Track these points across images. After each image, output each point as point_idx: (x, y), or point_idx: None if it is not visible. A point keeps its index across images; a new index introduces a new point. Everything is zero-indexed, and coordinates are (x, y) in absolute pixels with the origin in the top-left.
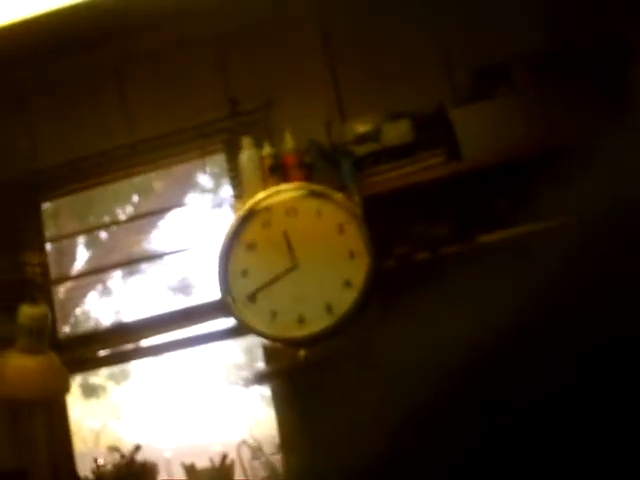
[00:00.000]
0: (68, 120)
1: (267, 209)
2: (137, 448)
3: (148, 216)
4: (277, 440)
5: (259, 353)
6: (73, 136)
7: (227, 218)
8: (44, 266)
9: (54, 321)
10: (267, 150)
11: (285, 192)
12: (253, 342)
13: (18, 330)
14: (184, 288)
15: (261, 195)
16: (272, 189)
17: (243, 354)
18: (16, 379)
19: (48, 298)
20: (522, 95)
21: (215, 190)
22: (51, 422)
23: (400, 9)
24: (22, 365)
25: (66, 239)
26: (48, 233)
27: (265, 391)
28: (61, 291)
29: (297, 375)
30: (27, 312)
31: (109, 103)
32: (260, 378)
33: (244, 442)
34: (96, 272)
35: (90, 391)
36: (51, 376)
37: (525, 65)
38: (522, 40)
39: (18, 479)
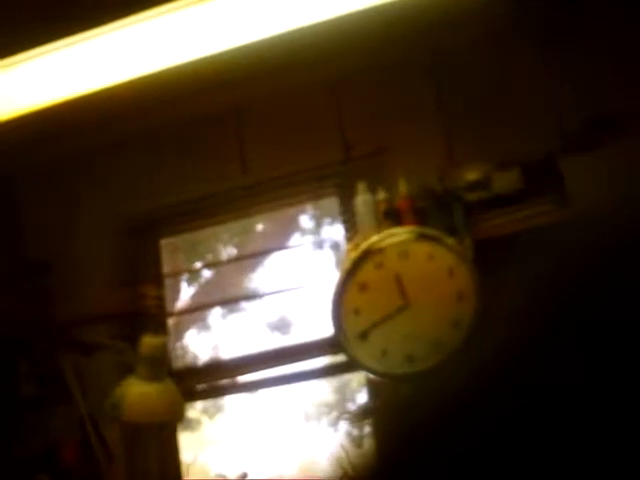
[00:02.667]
0: (188, 160)
1: (380, 251)
2: (244, 475)
3: (250, 257)
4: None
5: (351, 394)
6: (192, 177)
7: (328, 260)
8: (161, 299)
9: (170, 352)
10: (382, 195)
11: (398, 235)
12: (346, 382)
13: (139, 359)
14: (282, 327)
15: (375, 238)
16: (386, 232)
17: (335, 394)
18: (137, 404)
19: (164, 330)
20: (633, 146)
21: (316, 231)
22: (162, 447)
23: (510, 56)
24: (142, 391)
25: (177, 275)
26: (163, 268)
27: (355, 430)
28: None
29: (403, 411)
30: (149, 342)
31: (227, 146)
32: (362, 413)
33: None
34: (201, 308)
35: (185, 424)
36: (169, 402)
37: (637, 116)
38: (635, 91)
39: None
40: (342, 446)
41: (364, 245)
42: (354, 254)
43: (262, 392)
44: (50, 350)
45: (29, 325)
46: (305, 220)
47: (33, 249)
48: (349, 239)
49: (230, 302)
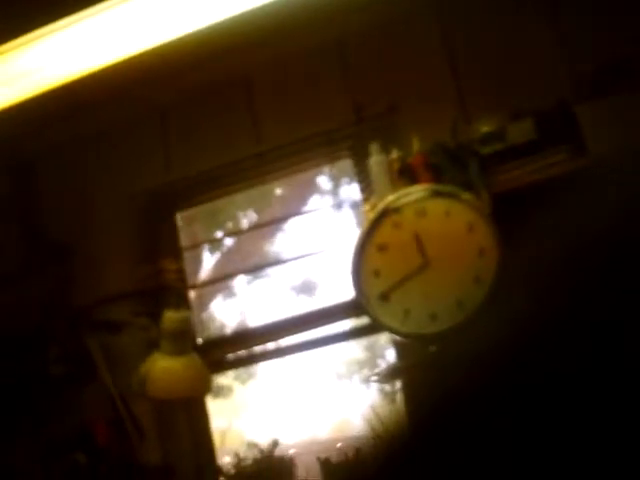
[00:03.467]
0: (200, 132)
1: (397, 211)
2: (275, 443)
3: (270, 223)
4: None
5: (380, 351)
6: (204, 148)
7: (348, 221)
8: (181, 273)
9: (194, 325)
10: (395, 154)
11: (414, 194)
12: (375, 340)
13: (163, 334)
14: (307, 290)
15: (391, 198)
16: (401, 191)
17: (365, 351)
18: (163, 380)
19: (186, 303)
20: None
21: (335, 193)
22: (192, 420)
23: (521, 6)
24: (168, 366)
25: (197, 247)
26: (181, 241)
27: (387, 387)
28: (191, 296)
29: (429, 370)
30: (171, 317)
31: (238, 114)
32: (391, 374)
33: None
34: (224, 278)
35: (217, 391)
36: (195, 376)
37: None
38: None
39: (165, 474)
40: (373, 405)
41: (380, 206)
42: (371, 215)
43: (292, 357)
44: (76, 331)
45: (53, 308)
46: (323, 182)
47: (52, 232)
48: (365, 200)
49: (253, 269)
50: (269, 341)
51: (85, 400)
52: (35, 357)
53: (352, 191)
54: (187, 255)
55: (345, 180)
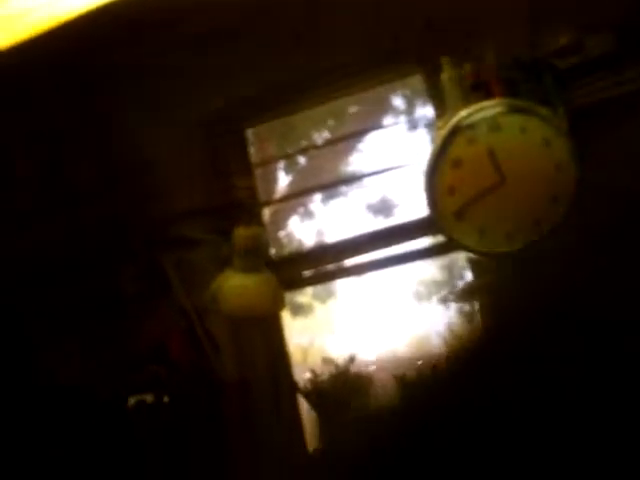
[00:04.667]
0: (270, 47)
1: (471, 127)
2: (351, 359)
3: (344, 139)
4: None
5: (458, 271)
6: (275, 64)
7: (423, 138)
8: (252, 190)
9: (267, 242)
10: (468, 68)
11: (488, 109)
12: (453, 260)
13: (234, 251)
14: (384, 209)
15: (463, 113)
16: (475, 106)
17: (443, 272)
18: (235, 296)
19: (258, 220)
20: None
21: (409, 111)
22: (268, 337)
23: None
24: (240, 283)
25: (269, 164)
26: (253, 158)
27: (465, 306)
28: (266, 214)
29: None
30: (242, 233)
31: (309, 30)
32: (468, 293)
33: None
34: (299, 195)
35: (297, 310)
36: (267, 293)
37: None
38: None
39: (242, 389)
40: (451, 324)
41: (453, 121)
42: (444, 131)
43: (370, 275)
44: (150, 248)
45: (128, 226)
46: (397, 99)
47: (126, 151)
48: (438, 116)
49: (329, 187)
50: (346, 258)
51: (160, 315)
52: (111, 275)
53: (426, 110)
54: (261, 173)
55: (420, 98)
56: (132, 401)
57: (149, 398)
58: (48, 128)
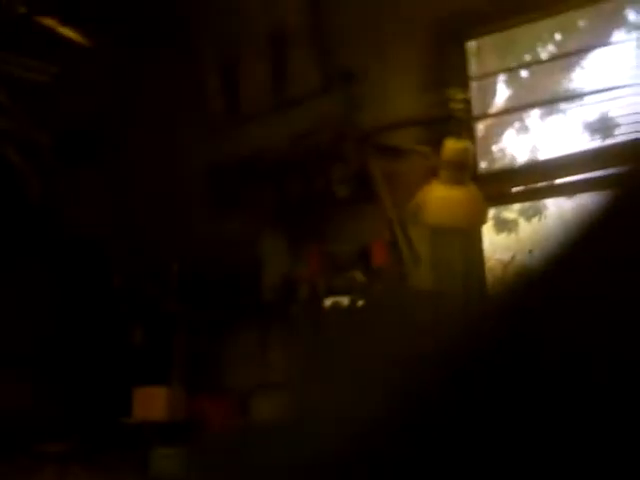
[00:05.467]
0: None
1: None
2: None
3: (570, 55)
4: None
5: None
6: None
7: None
8: (467, 103)
9: (475, 156)
10: None
11: None
12: None
13: (442, 163)
14: (602, 128)
15: None
16: None
17: None
18: (439, 208)
19: (470, 134)
20: None
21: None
22: (466, 249)
23: None
24: (445, 195)
25: (488, 77)
26: (471, 71)
27: None
28: (480, 128)
29: None
30: (451, 146)
31: None
32: None
33: None
34: (515, 110)
35: (501, 225)
36: (471, 207)
37: None
38: None
39: (435, 297)
40: None
41: None
42: None
43: (579, 196)
44: (361, 154)
45: (342, 130)
46: (631, 14)
47: (342, 58)
48: None
49: (548, 103)
50: (557, 177)
51: (365, 221)
52: (322, 178)
53: None
54: (478, 86)
55: None
56: (328, 302)
57: (344, 301)
58: None
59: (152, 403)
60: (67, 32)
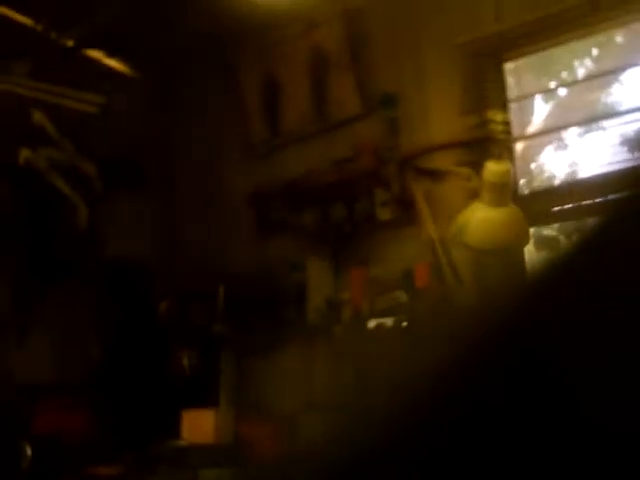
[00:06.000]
0: None
1: None
2: None
3: (608, 73)
4: None
5: None
6: None
7: None
8: (507, 124)
9: (515, 177)
10: None
11: None
12: None
13: (484, 184)
14: None
15: None
16: None
17: None
18: (481, 230)
19: (510, 155)
20: None
21: None
22: (509, 269)
23: None
24: (487, 217)
25: (526, 98)
26: (510, 92)
27: None
28: (519, 148)
29: None
30: (492, 168)
31: None
32: None
33: None
34: (554, 130)
35: (543, 242)
36: (513, 228)
37: None
38: None
39: (477, 316)
40: None
41: None
42: None
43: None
44: (402, 177)
45: (383, 153)
46: None
47: (382, 82)
48: None
49: (587, 121)
50: (599, 196)
51: (407, 244)
52: (365, 201)
53: None
54: (515, 106)
55: None
56: (372, 323)
57: (388, 322)
58: None
59: (200, 426)
60: (113, 63)
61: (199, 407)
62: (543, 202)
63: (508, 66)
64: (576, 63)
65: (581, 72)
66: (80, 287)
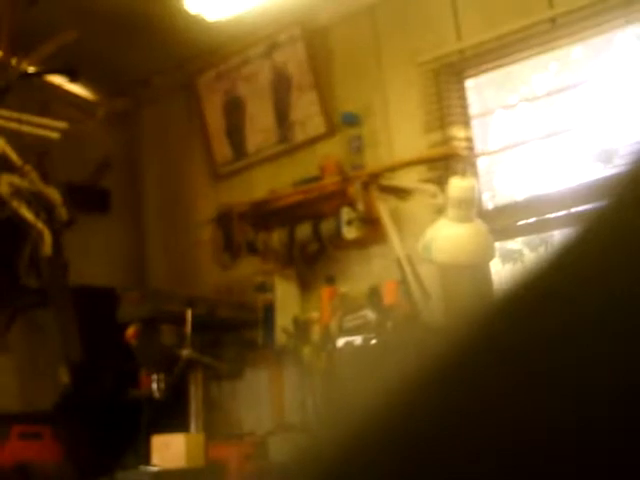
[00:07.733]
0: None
1: None
2: None
3: (567, 88)
4: None
5: None
6: (495, 13)
7: None
8: (470, 140)
9: (479, 192)
10: None
11: None
12: None
13: (449, 201)
14: (604, 158)
15: None
16: None
17: None
18: (447, 245)
19: (474, 171)
20: None
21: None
22: (476, 283)
23: None
24: (452, 233)
25: (488, 114)
26: (472, 108)
27: None
28: (482, 163)
29: None
30: (456, 184)
31: None
32: None
33: None
34: (516, 144)
35: (507, 256)
36: (479, 243)
37: None
38: None
39: (447, 333)
40: None
41: None
42: None
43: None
44: (367, 196)
45: (348, 173)
46: (624, 41)
47: (345, 101)
48: None
49: (548, 135)
50: (561, 209)
51: (374, 262)
52: (331, 220)
53: None
54: (477, 122)
55: None
56: (341, 342)
57: (357, 340)
58: None
59: (171, 450)
60: (75, 89)
61: (169, 431)
62: (507, 216)
63: (469, 83)
64: (535, 78)
65: (541, 87)
66: (46, 313)
